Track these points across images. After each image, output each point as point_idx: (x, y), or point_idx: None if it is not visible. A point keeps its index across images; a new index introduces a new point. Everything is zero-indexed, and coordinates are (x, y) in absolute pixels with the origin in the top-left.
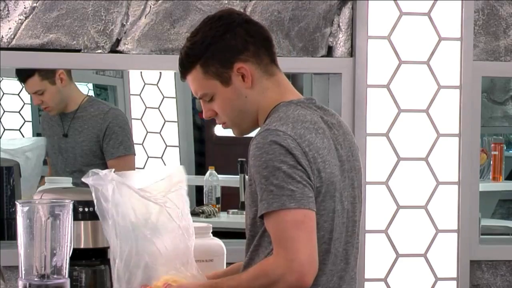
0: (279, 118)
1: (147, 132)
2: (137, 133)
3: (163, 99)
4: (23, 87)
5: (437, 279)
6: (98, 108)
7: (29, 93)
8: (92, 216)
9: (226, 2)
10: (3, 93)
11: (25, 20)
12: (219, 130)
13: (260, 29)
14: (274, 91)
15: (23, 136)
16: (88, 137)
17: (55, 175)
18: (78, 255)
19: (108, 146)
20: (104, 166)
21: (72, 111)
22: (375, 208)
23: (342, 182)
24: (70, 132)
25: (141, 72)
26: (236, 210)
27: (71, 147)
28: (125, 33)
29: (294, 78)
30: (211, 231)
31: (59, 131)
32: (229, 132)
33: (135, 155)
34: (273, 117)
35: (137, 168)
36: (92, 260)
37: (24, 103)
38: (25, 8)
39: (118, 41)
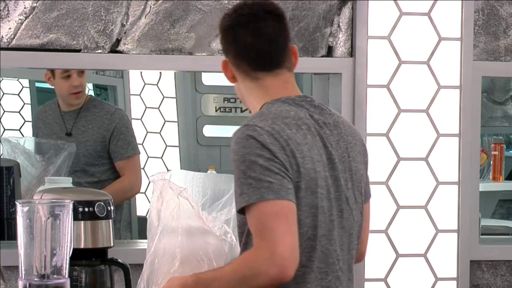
0: (261, 114)
1: (147, 132)
2: (137, 133)
3: (163, 99)
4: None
5: (437, 279)
6: (102, 108)
7: (65, 76)
8: (92, 216)
9: (226, 2)
10: (3, 93)
11: (25, 20)
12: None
13: (247, 38)
14: (260, 91)
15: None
16: (93, 137)
17: (55, 174)
18: (78, 255)
19: (117, 147)
20: (107, 166)
21: (75, 110)
22: (375, 208)
23: (329, 180)
24: (74, 131)
25: (141, 72)
26: None
27: None
28: (125, 33)
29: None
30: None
31: (60, 130)
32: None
33: (140, 153)
34: (256, 113)
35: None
36: (92, 260)
37: (24, 103)
38: (25, 8)
39: (118, 41)
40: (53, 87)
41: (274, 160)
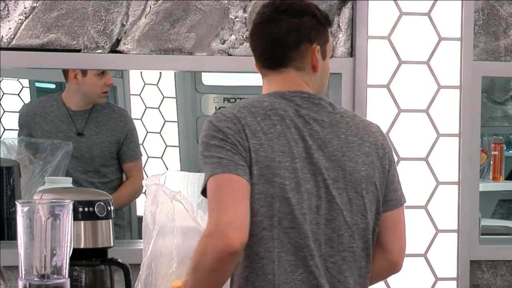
0: (236, 103)
1: (147, 132)
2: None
3: (163, 99)
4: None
5: (437, 279)
6: (113, 110)
7: (99, 73)
8: (92, 216)
9: (226, 2)
10: (3, 93)
11: (25, 20)
12: None
13: (256, 38)
14: (265, 86)
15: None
16: (108, 139)
17: (53, 173)
18: (78, 255)
19: (129, 149)
20: (115, 167)
21: (85, 110)
22: None
23: (301, 174)
24: (85, 131)
25: (141, 72)
26: None
27: (86, 147)
28: (125, 33)
29: None
30: None
31: (68, 129)
32: None
33: None
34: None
35: None
36: (92, 260)
37: (24, 103)
38: (25, 8)
39: (118, 41)
40: (77, 84)
41: (227, 140)
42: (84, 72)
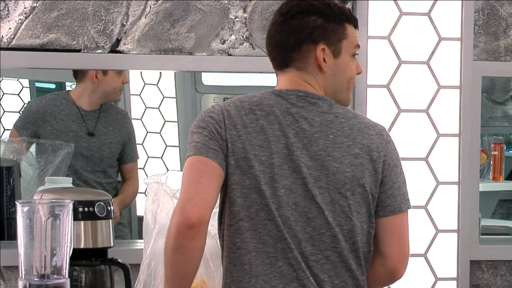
0: (232, 98)
1: (147, 132)
2: (137, 133)
3: (163, 99)
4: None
5: (437, 279)
6: (117, 110)
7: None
8: (92, 216)
9: (226, 2)
10: (3, 93)
11: (25, 20)
12: None
13: (266, 42)
14: (276, 87)
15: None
16: (116, 139)
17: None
18: (78, 255)
19: (130, 150)
20: (117, 168)
21: (95, 110)
22: None
23: (277, 169)
24: (96, 131)
25: (141, 72)
26: None
27: (96, 147)
28: (125, 33)
29: None
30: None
31: (79, 128)
32: None
33: None
34: None
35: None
36: (92, 260)
37: (24, 103)
38: (25, 8)
39: (118, 41)
40: (96, 83)
41: (206, 128)
42: (105, 71)
